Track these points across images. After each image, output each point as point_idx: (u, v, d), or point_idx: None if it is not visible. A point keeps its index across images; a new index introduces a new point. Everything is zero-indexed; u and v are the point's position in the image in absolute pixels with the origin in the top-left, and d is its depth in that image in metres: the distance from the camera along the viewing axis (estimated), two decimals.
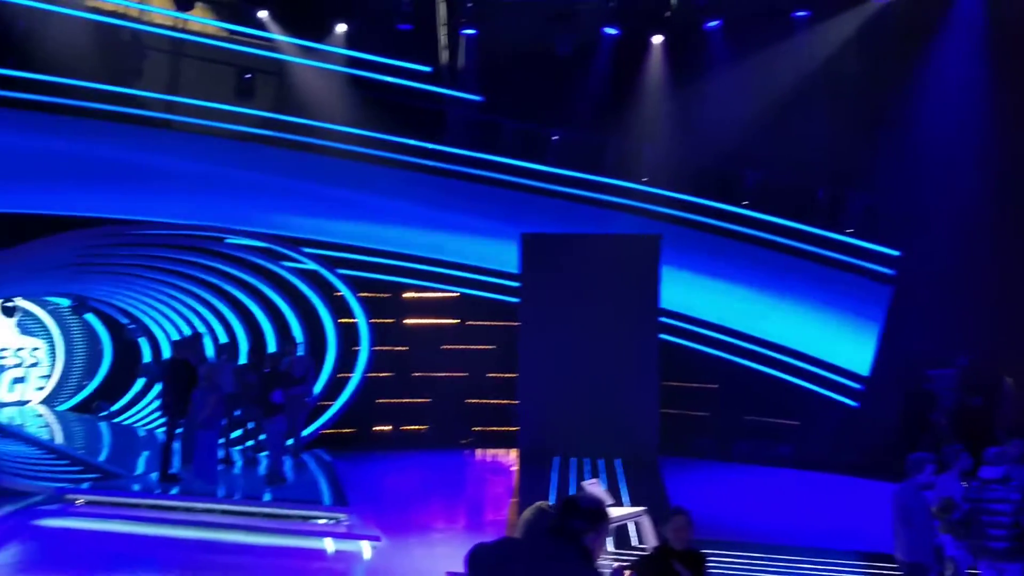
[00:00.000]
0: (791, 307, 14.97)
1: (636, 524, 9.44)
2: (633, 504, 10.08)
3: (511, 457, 14.90)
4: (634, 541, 9.34)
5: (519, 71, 15.12)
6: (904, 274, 13.97)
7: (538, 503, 4.13)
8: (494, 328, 15.81)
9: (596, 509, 3.84)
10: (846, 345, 14.58)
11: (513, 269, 14.78)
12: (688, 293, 15.12)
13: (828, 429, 14.33)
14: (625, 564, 5.76)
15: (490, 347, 15.85)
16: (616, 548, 9.05)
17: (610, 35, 15.33)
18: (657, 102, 15.69)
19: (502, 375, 15.59)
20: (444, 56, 15.66)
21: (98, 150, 13.42)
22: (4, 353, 16.22)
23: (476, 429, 15.75)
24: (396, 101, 14.97)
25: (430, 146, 15.15)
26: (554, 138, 15.67)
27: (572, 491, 12.02)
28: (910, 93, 13.95)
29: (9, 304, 15.82)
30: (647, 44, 15.64)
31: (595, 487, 8.56)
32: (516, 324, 14.75)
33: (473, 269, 15.82)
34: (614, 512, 8.31)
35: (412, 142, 15.11)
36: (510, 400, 15.20)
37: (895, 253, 14.10)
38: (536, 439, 13.94)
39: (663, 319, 14.40)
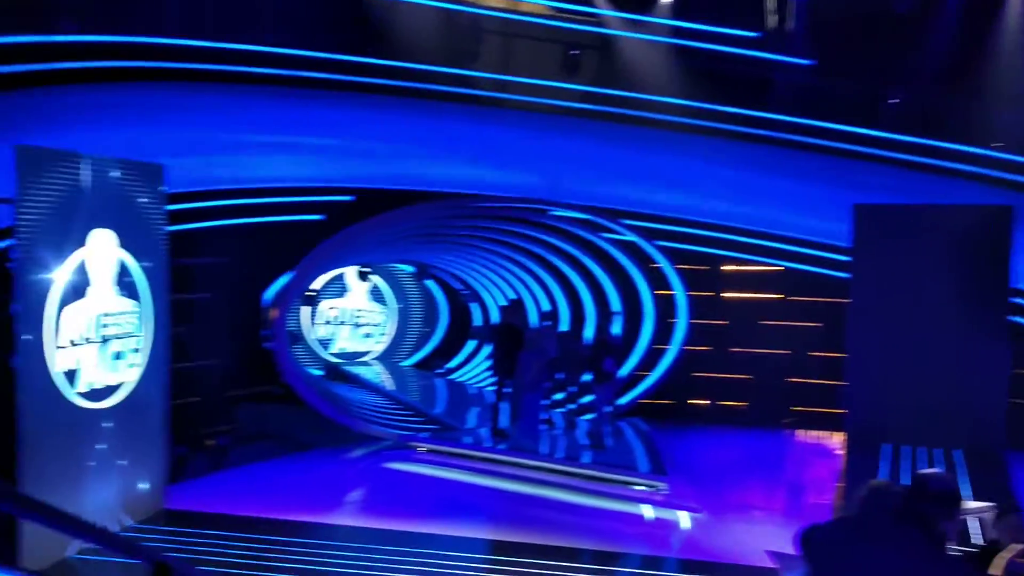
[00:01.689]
0: None
1: (980, 521, 8.63)
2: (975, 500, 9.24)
3: (835, 440, 14.22)
4: (975, 540, 8.56)
5: (853, 32, 14.19)
6: None
7: (873, 481, 3.90)
8: (820, 304, 15.11)
9: (949, 492, 3.56)
10: None
11: (843, 242, 14.02)
12: None
13: None
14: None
15: (815, 324, 15.17)
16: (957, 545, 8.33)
17: None
18: (1015, 58, 14.03)
19: (828, 354, 14.89)
20: (772, 20, 15.06)
21: (438, 129, 14.49)
22: (358, 312, 18.11)
23: (798, 409, 15.17)
24: (720, 69, 14.67)
25: (756, 114, 14.70)
26: (891, 101, 14.56)
27: (905, 480, 11.24)
28: None
29: (365, 269, 17.58)
30: None
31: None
32: (845, 301, 13.99)
33: (798, 242, 15.18)
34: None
35: (737, 110, 14.75)
36: (836, 381, 14.50)
37: None
38: (865, 423, 13.19)
39: (1015, 299, 12.99)
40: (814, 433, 14.84)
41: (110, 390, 8.70)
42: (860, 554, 3.53)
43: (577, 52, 14.93)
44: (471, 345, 18.21)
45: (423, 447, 12.29)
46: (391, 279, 18.46)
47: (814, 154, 14.63)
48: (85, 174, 8.22)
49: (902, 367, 13.12)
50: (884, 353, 13.22)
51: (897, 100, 14.48)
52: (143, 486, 9.23)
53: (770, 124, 14.72)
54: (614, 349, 12.07)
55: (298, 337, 16.90)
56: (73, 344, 8.15)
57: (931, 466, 11.49)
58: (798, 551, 3.71)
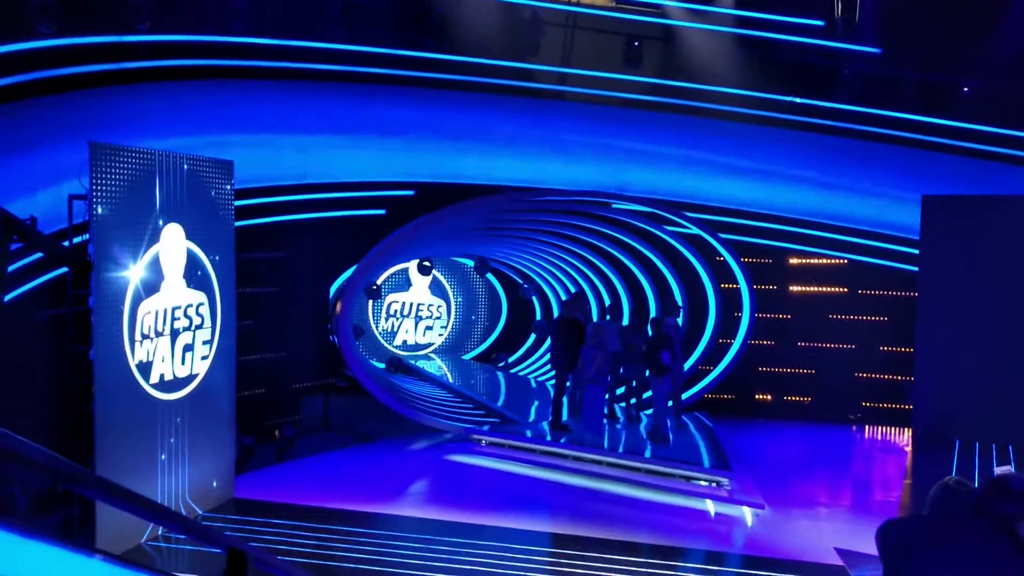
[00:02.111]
0: None
1: None
2: None
3: (904, 437, 13.93)
4: None
5: (921, 18, 13.83)
6: None
7: (947, 479, 3.80)
8: (887, 298, 14.79)
9: None
10: None
11: (912, 234, 13.71)
12: None
13: None
14: None
15: (882, 318, 14.86)
16: None
17: None
18: None
19: (896, 348, 14.59)
20: (839, 8, 14.76)
21: (499, 123, 14.51)
22: (420, 306, 18.27)
23: (865, 404, 14.88)
24: (785, 59, 14.44)
25: (821, 104, 14.43)
26: (964, 90, 14.17)
27: (976, 478, 10.97)
28: None
29: (426, 263, 17.71)
30: None
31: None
32: (914, 295, 13.70)
33: (865, 234, 14.88)
34: None
35: (802, 100, 14.50)
36: (905, 376, 14.20)
37: None
38: (934, 420, 12.93)
39: None
40: (881, 429, 14.55)
41: (181, 382, 8.92)
42: (939, 556, 3.44)
43: (638, 44, 14.81)
44: (531, 339, 18.24)
45: (485, 440, 12.35)
46: (453, 273, 18.57)
47: (881, 144, 14.32)
48: (157, 170, 8.42)
49: (972, 362, 12.82)
50: (954, 347, 12.93)
51: (968, 88, 14.09)
52: (212, 476, 9.44)
53: (836, 114, 14.44)
54: (671, 342, 11.97)
55: (362, 330, 17.10)
56: (145, 337, 8.37)
57: (1002, 464, 11.20)
58: (877, 546, 3.64)
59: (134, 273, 8.17)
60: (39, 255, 8.42)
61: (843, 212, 14.84)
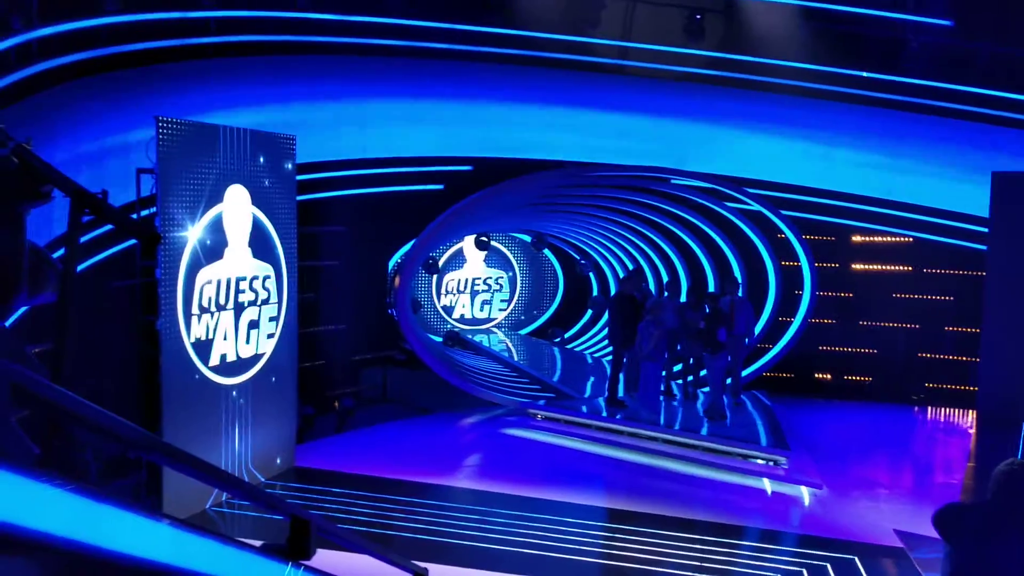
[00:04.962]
0: None
1: None
2: None
3: (968, 419, 13.64)
4: None
5: None
6: None
7: (1011, 460, 3.73)
8: (953, 277, 14.45)
9: None
10: None
11: (981, 212, 13.35)
12: None
13: None
14: None
15: (947, 298, 14.52)
16: None
17: None
18: None
19: (961, 329, 14.26)
20: None
21: (558, 97, 14.45)
22: (476, 280, 18.35)
23: (928, 385, 14.59)
24: (852, 31, 14.10)
25: (889, 78, 14.07)
26: None
27: None
28: None
29: (483, 238, 17.76)
30: None
31: None
32: (982, 274, 13.36)
33: (931, 211, 14.52)
34: None
35: (868, 74, 14.15)
36: (970, 357, 13.88)
37: None
38: (1000, 401, 12.63)
39: None
40: (944, 410, 14.26)
41: (246, 364, 9.01)
42: (1008, 541, 3.39)
43: (699, 16, 14.58)
44: (588, 315, 18.21)
45: (540, 414, 12.41)
46: (513, 247, 18.61)
47: (950, 119, 13.93)
48: (221, 143, 8.57)
49: None
50: (1021, 328, 12.60)
51: None
52: (274, 445, 9.66)
53: (904, 88, 14.08)
54: (727, 319, 11.86)
55: (420, 304, 17.25)
56: (204, 311, 8.40)
57: None
58: (936, 529, 3.60)
59: (192, 234, 8.18)
60: (109, 227, 8.64)
61: (909, 188, 14.50)
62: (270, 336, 9.38)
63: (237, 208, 8.75)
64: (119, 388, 8.58)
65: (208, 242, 8.43)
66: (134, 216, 8.20)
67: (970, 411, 13.66)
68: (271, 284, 9.33)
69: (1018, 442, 11.60)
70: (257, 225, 9.06)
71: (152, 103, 9.46)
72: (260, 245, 9.13)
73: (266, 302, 9.27)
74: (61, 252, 2.93)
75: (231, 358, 8.80)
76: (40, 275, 2.85)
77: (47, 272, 2.88)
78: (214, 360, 8.58)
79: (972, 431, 12.94)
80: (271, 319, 9.37)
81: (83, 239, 7.66)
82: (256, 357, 9.18)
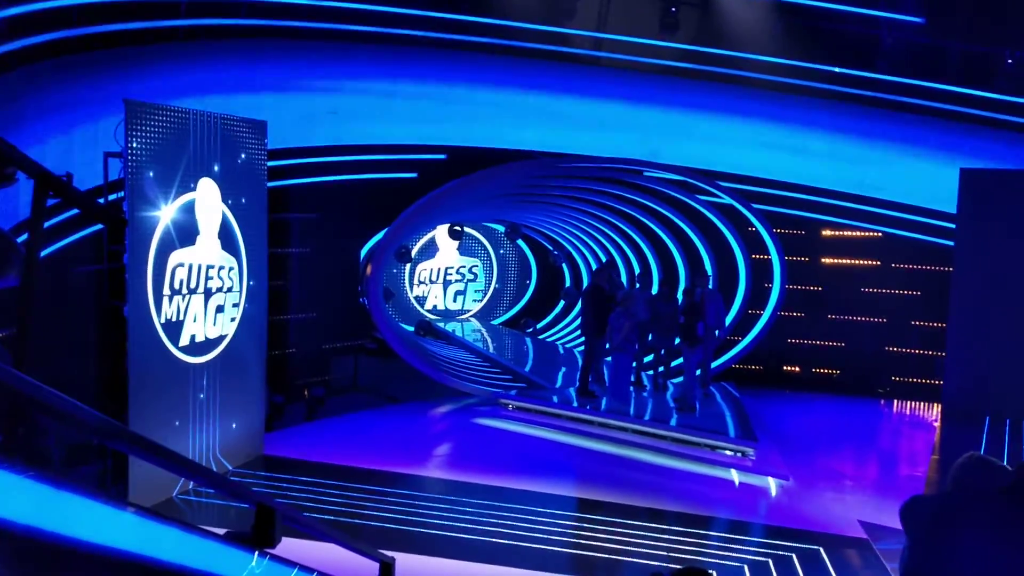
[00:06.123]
0: None
1: None
2: None
3: (933, 412, 13.83)
4: None
5: None
6: None
7: (971, 453, 3.76)
8: (920, 272, 14.63)
9: None
10: None
11: (948, 208, 13.51)
12: None
13: None
14: None
15: (915, 292, 14.71)
16: None
17: None
18: None
19: (927, 323, 14.45)
20: None
21: (532, 87, 14.43)
22: (449, 270, 18.31)
23: (894, 379, 14.78)
24: (824, 27, 14.19)
25: (860, 74, 14.18)
26: (1008, 61, 13.86)
27: (1006, 456, 10.90)
28: None
29: (457, 228, 17.71)
30: None
31: None
32: (948, 269, 13.54)
33: (900, 207, 14.69)
34: None
35: (840, 70, 14.26)
36: (936, 352, 14.07)
37: None
38: (965, 395, 12.83)
39: None
40: (910, 403, 14.45)
41: (212, 343, 9.03)
42: (969, 534, 3.42)
43: (675, 9, 14.62)
44: (560, 305, 18.24)
45: (512, 404, 12.43)
46: (486, 237, 18.58)
47: (920, 116, 14.09)
48: (191, 128, 8.48)
49: (1005, 338, 12.69)
50: (987, 323, 12.80)
51: (1012, 60, 13.78)
52: (242, 433, 9.59)
53: (875, 84, 14.21)
54: (704, 313, 11.94)
55: (392, 293, 17.19)
56: (176, 292, 8.43)
57: None
58: (902, 522, 3.63)
59: (165, 214, 8.15)
60: (75, 211, 8.53)
61: (878, 184, 14.64)
62: (232, 320, 9.34)
63: (208, 202, 8.76)
64: (85, 374, 8.48)
65: (181, 225, 8.36)
66: (101, 200, 8.09)
67: (935, 404, 13.84)
68: (235, 275, 9.29)
69: (982, 436, 11.79)
70: (225, 220, 9.03)
71: (122, 86, 9.33)
72: (226, 239, 9.08)
73: (231, 290, 9.23)
74: (25, 236, 2.88)
75: (200, 339, 8.78)
76: (3, 259, 2.80)
77: (10, 256, 2.83)
78: (184, 340, 8.56)
79: (937, 424, 13.12)
80: (233, 305, 9.35)
81: (48, 223, 7.55)
82: (221, 338, 9.16)
